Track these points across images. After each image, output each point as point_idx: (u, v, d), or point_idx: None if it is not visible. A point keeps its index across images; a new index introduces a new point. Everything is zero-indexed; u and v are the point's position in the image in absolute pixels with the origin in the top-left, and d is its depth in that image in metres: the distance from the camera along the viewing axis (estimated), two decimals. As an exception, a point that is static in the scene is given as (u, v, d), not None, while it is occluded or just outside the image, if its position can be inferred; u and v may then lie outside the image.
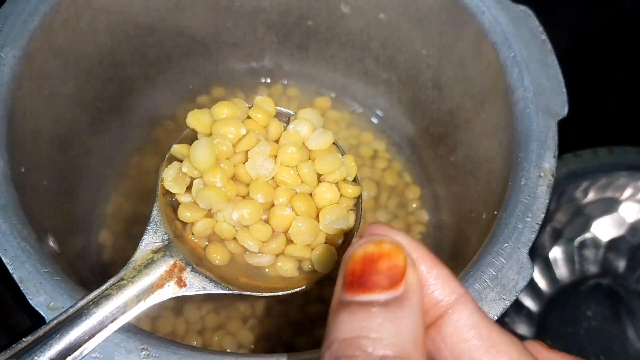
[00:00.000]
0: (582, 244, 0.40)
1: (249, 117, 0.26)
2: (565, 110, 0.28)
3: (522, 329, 0.38)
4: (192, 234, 0.25)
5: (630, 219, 0.40)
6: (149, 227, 0.23)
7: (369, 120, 0.43)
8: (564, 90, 0.29)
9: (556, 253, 0.40)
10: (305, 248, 0.25)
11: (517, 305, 0.39)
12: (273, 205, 0.25)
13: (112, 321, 0.20)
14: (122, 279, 0.21)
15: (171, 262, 0.23)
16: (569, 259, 0.40)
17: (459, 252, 0.33)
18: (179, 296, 0.22)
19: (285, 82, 0.43)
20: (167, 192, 0.25)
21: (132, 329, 0.22)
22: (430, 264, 0.16)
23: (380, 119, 0.42)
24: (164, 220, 0.24)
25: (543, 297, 0.40)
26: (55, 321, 0.20)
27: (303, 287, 0.24)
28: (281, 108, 0.28)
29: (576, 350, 0.38)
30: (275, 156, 0.25)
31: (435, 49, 0.35)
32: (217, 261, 0.25)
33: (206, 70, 0.41)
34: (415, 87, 0.38)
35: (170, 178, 0.25)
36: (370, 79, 0.41)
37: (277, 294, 0.24)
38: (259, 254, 0.25)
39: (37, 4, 0.29)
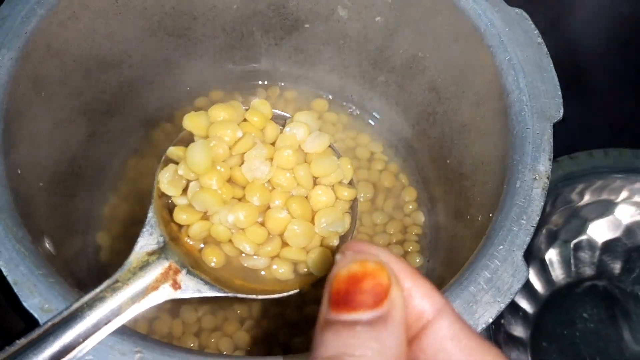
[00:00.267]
0: (578, 246, 0.40)
1: (245, 120, 0.26)
2: (560, 113, 0.28)
3: (518, 330, 0.38)
4: (188, 236, 0.25)
5: (626, 221, 0.40)
6: (145, 230, 0.24)
7: (366, 122, 0.43)
8: (559, 93, 0.29)
9: (552, 255, 0.40)
10: (301, 251, 0.25)
11: (513, 307, 0.39)
12: (269, 207, 0.25)
13: (106, 323, 0.20)
14: (117, 281, 0.21)
15: (166, 264, 0.23)
16: (565, 261, 0.40)
17: (454, 254, 0.33)
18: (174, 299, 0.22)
19: (283, 84, 0.43)
20: (163, 195, 0.25)
21: (126, 332, 0.22)
22: (411, 277, 0.16)
23: (377, 121, 0.42)
24: (160, 222, 0.24)
25: (539, 298, 0.40)
26: (49, 323, 0.20)
27: (298, 290, 0.24)
28: (277, 111, 0.28)
29: (572, 352, 0.38)
30: (272, 159, 0.25)
31: (431, 52, 0.35)
32: (212, 263, 0.25)
33: (204, 73, 0.41)
34: (411, 89, 0.38)
35: (166, 180, 0.25)
36: (367, 81, 0.41)
37: (272, 296, 0.24)
38: (255, 257, 0.25)
39: (34, 6, 0.29)
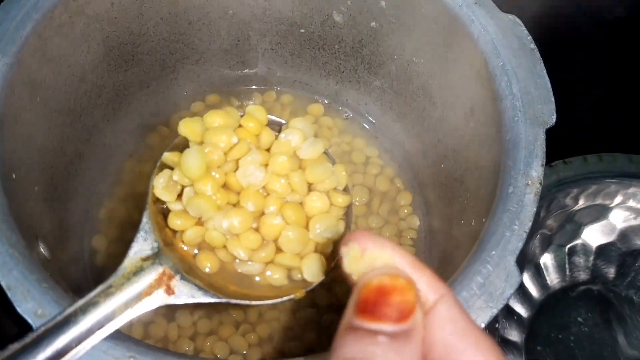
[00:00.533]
0: (573, 251, 0.41)
1: (240, 126, 0.27)
2: (553, 119, 0.28)
3: (513, 334, 0.39)
4: (183, 241, 0.25)
5: (620, 225, 0.40)
6: (139, 235, 0.24)
7: (361, 127, 0.43)
8: (552, 98, 0.29)
9: (547, 259, 0.40)
10: (295, 257, 0.25)
11: (507, 311, 0.39)
12: (263, 213, 0.25)
13: (99, 328, 0.20)
14: (111, 287, 0.22)
15: (160, 270, 0.23)
16: (560, 266, 0.40)
17: (449, 258, 0.33)
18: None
19: (279, 89, 0.43)
20: (157, 200, 0.25)
21: (120, 337, 0.22)
22: (416, 265, 0.17)
23: (372, 126, 0.43)
24: (154, 228, 0.24)
25: (533, 303, 0.40)
26: (42, 328, 0.20)
27: (292, 296, 0.24)
28: (273, 117, 0.28)
29: (567, 356, 0.38)
30: (266, 165, 0.26)
31: (426, 57, 0.35)
32: (207, 269, 0.25)
33: (200, 77, 0.41)
34: (406, 94, 0.39)
35: (161, 186, 0.25)
36: (362, 86, 0.41)
37: (266, 302, 0.24)
38: (249, 262, 0.25)
39: (29, 11, 0.29)
